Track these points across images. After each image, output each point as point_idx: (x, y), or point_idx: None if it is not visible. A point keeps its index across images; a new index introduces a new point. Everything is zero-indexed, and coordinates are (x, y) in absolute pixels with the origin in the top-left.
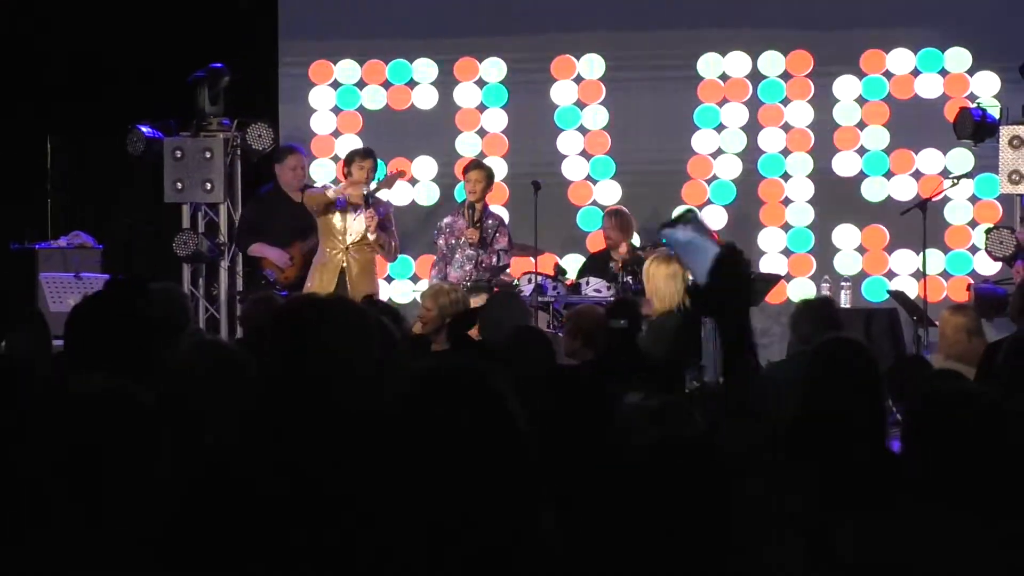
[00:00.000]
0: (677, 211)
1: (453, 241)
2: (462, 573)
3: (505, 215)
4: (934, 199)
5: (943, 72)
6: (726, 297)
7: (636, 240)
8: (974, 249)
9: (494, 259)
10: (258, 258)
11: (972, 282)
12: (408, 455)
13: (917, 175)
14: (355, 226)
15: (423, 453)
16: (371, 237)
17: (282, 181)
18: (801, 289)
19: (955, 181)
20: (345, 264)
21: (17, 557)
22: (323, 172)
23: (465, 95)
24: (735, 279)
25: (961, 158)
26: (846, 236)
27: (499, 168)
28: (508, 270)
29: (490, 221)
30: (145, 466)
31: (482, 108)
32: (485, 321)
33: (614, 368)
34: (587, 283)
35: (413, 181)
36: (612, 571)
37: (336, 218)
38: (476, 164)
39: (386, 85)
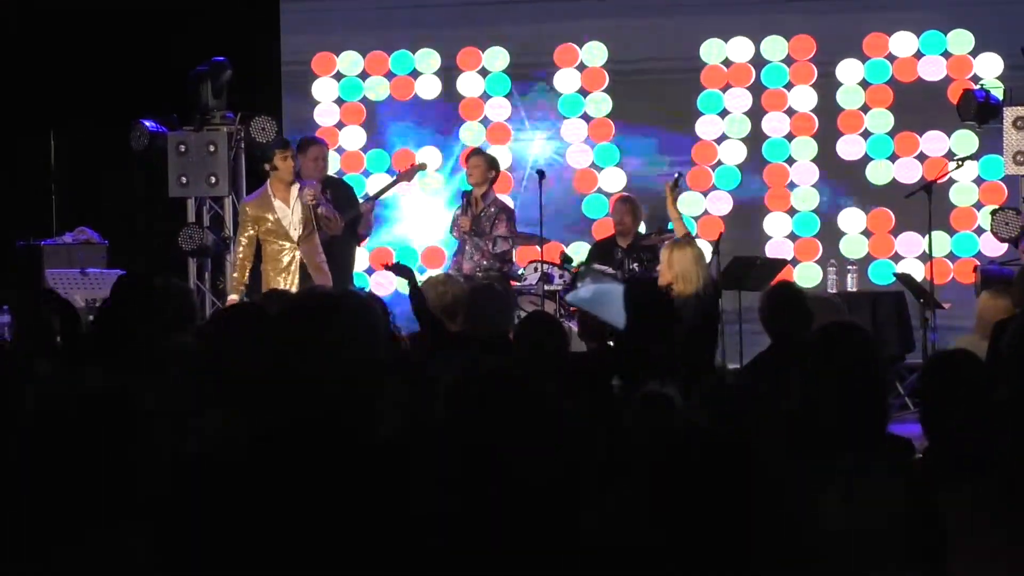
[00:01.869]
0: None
1: (465, 234)
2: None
3: (511, 204)
4: (939, 181)
5: (946, 54)
6: (656, 323)
7: (642, 228)
8: (980, 230)
9: (490, 245)
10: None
11: (978, 264)
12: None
13: (922, 157)
14: (295, 218)
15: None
16: (321, 211)
17: (303, 172)
18: (808, 273)
19: (960, 163)
20: (303, 259)
21: (17, 556)
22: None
23: (468, 84)
24: (654, 306)
25: (965, 140)
26: (852, 220)
27: (503, 157)
28: (511, 255)
29: (492, 209)
30: (143, 465)
31: (485, 97)
32: (470, 314)
33: (623, 357)
34: None
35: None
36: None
37: (279, 217)
38: (477, 151)
39: (389, 76)
